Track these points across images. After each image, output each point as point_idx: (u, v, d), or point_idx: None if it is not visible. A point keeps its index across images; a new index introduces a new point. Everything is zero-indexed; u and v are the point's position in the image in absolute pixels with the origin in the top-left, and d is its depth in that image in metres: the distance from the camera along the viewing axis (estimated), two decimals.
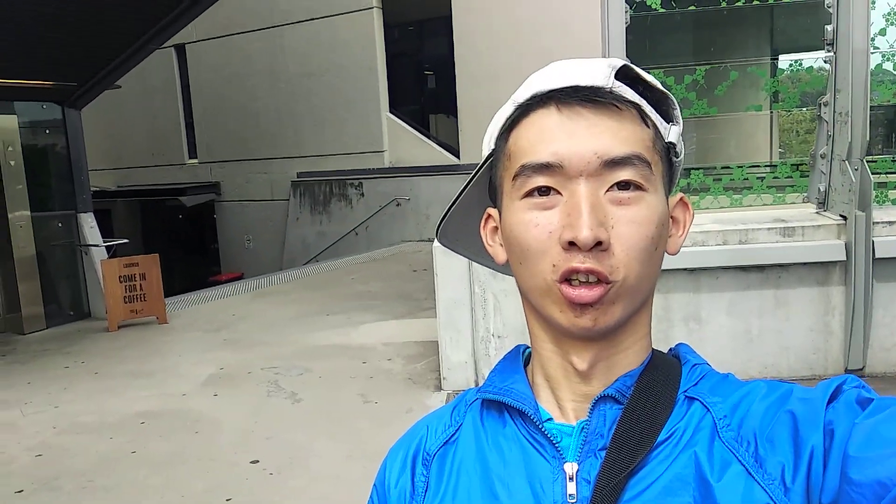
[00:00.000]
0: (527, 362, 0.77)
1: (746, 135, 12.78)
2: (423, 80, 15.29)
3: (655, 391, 0.67)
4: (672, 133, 0.69)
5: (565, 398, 0.70)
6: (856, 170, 4.90)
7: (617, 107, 0.65)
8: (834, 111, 5.03)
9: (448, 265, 4.93)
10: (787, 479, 0.60)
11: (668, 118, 0.69)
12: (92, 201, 8.55)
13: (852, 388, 0.62)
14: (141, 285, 7.41)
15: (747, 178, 5.50)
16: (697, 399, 0.67)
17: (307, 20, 13.74)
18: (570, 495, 0.64)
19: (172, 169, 16.00)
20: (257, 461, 4.06)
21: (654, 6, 5.07)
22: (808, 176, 5.49)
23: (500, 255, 0.73)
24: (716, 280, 4.84)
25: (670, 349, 0.75)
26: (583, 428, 0.67)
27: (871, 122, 4.96)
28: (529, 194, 0.65)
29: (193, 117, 15.78)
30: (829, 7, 4.76)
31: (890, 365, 5.04)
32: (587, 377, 0.68)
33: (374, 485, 0.79)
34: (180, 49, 15.34)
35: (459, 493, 0.70)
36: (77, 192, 8.29)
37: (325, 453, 4.16)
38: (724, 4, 5.31)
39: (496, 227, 0.73)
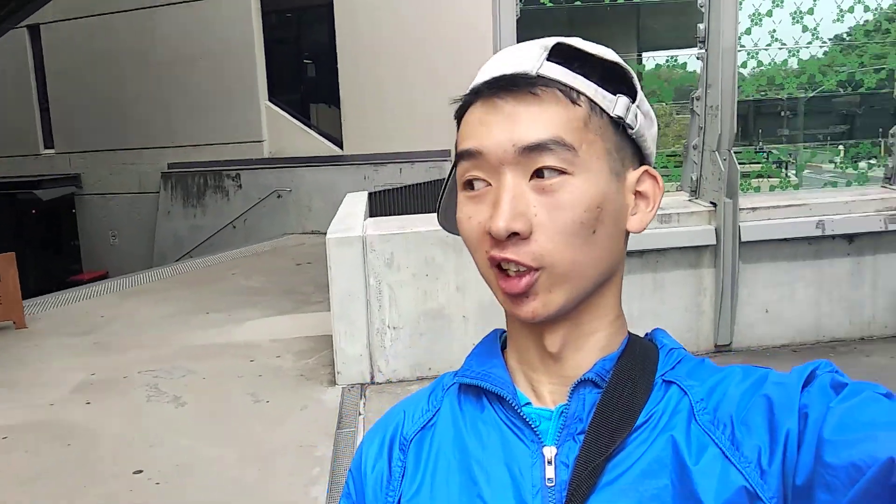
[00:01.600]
0: (504, 346, 0.76)
1: None
2: (304, 68, 14.90)
3: (634, 375, 0.67)
4: (619, 105, 0.66)
5: (542, 381, 0.70)
6: (724, 160, 5.23)
7: (534, 93, 0.63)
8: (705, 105, 5.36)
9: (342, 257, 4.81)
10: (763, 461, 0.60)
11: (618, 91, 0.66)
12: None
13: (826, 372, 0.62)
14: None
15: None
16: (675, 383, 0.67)
17: (179, 2, 12.98)
18: (548, 479, 0.65)
19: (25, 160, 14.66)
20: (141, 471, 3.78)
21: (543, 1, 5.16)
22: (681, 166, 5.82)
23: None
24: None
25: (646, 334, 0.75)
26: (562, 412, 0.67)
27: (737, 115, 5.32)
28: (466, 187, 0.67)
29: (49, 103, 14.52)
30: (702, 7, 5.05)
31: (754, 339, 5.46)
32: (559, 359, 0.69)
33: (350, 470, 0.78)
34: (34, 29, 14.06)
35: (438, 477, 0.69)
36: None
37: (216, 458, 3.94)
38: (607, 1, 5.50)
39: None
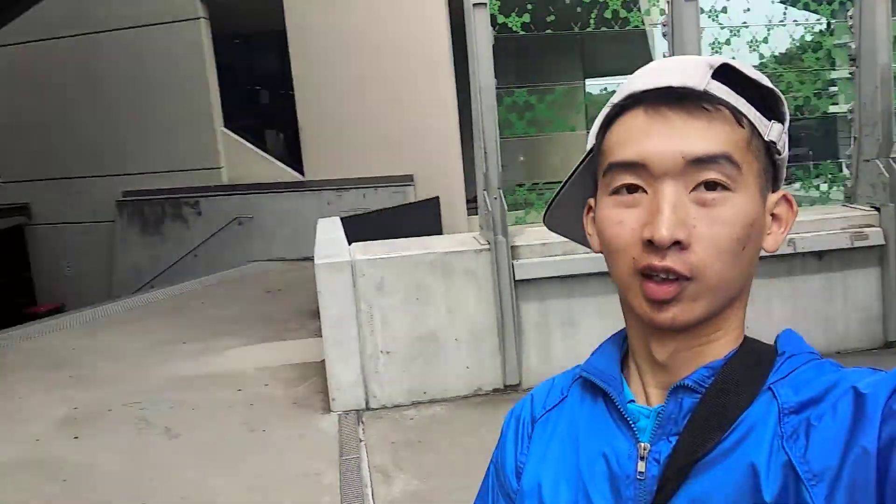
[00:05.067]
0: None
1: (568, 153, 13.77)
2: (258, 94, 14.86)
3: (736, 383, 0.68)
4: (773, 131, 0.69)
5: (649, 384, 0.74)
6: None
7: (706, 108, 0.66)
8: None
9: (332, 282, 4.84)
10: (832, 483, 0.59)
11: (771, 116, 0.70)
12: None
13: None
14: None
15: None
16: (771, 389, 0.67)
17: (127, 28, 12.79)
18: (639, 472, 0.70)
19: None
20: None
21: (514, 28, 5.29)
22: None
23: (595, 244, 0.76)
24: (586, 286, 5.13)
25: (776, 338, 0.74)
26: (658, 413, 0.71)
27: None
28: (616, 192, 0.69)
29: None
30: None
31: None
32: (666, 368, 0.72)
33: (497, 445, 0.88)
34: None
35: (550, 454, 0.78)
36: None
37: (221, 490, 3.90)
38: (576, 29, 5.70)
39: (594, 218, 0.76)
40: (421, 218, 10.50)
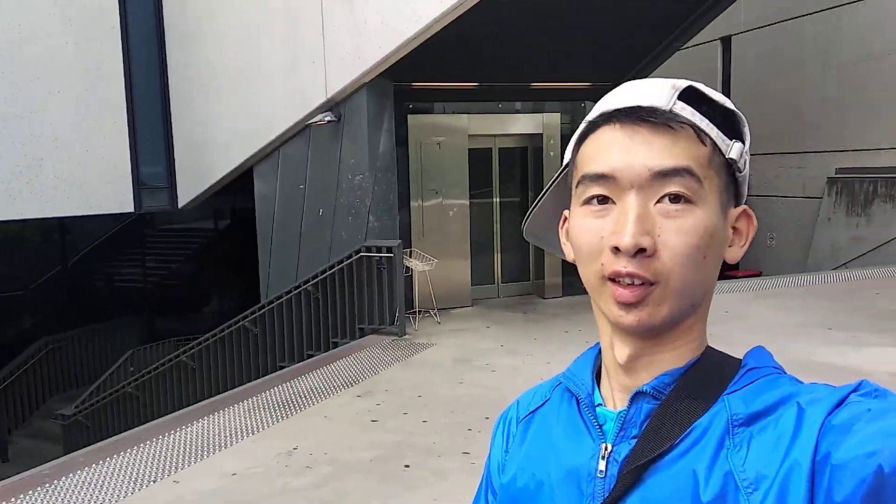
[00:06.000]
0: None
1: None
2: None
3: (694, 391, 0.72)
4: (733, 150, 0.73)
5: (615, 388, 0.78)
6: None
7: (670, 126, 0.70)
8: None
9: None
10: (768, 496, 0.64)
11: (732, 136, 0.74)
12: None
13: (860, 396, 0.65)
14: None
15: None
16: (724, 399, 0.71)
17: None
18: (600, 471, 0.75)
19: None
20: None
21: None
22: None
23: (569, 252, 0.81)
24: None
25: (747, 352, 0.77)
26: (621, 417, 0.76)
27: None
28: (588, 202, 0.74)
29: None
30: None
31: None
32: (628, 370, 0.76)
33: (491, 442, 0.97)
34: (726, 41, 15.31)
35: (528, 451, 0.85)
36: None
37: None
38: None
39: (568, 228, 0.81)
40: None
